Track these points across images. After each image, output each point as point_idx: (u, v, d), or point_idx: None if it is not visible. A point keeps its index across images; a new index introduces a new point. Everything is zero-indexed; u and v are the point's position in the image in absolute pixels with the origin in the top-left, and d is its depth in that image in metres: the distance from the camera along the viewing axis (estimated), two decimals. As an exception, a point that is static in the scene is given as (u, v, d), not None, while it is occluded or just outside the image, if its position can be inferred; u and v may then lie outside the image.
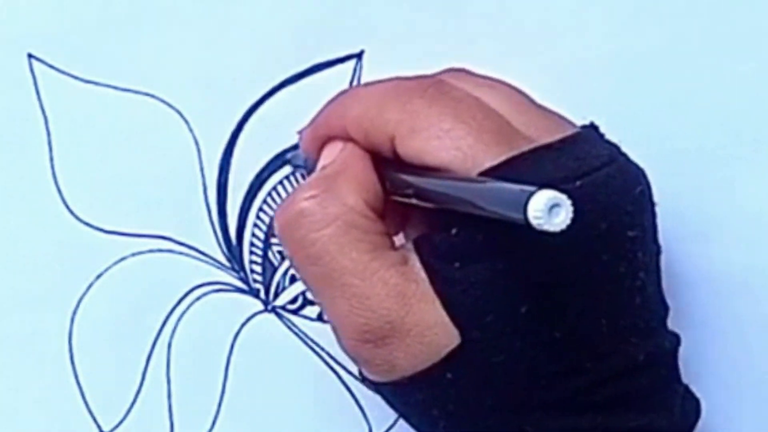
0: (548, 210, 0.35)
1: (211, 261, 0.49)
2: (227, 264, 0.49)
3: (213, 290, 0.49)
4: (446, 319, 0.40)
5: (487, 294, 0.40)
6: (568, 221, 0.36)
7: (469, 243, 0.40)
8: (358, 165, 0.43)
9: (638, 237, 0.41)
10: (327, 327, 0.48)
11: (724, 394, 0.49)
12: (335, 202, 0.42)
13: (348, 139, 0.43)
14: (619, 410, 0.41)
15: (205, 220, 0.49)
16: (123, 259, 0.48)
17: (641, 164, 0.42)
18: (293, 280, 0.49)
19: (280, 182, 0.49)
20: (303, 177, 0.48)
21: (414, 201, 0.42)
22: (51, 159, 0.48)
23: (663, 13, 0.48)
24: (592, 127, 0.43)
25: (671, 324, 0.44)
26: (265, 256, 0.49)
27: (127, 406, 0.49)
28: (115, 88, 0.48)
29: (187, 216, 0.48)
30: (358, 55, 0.48)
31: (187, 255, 0.49)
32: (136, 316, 0.49)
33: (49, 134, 0.48)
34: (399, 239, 0.44)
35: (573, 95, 0.44)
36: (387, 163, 0.43)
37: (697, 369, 0.46)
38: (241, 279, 0.49)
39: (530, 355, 0.40)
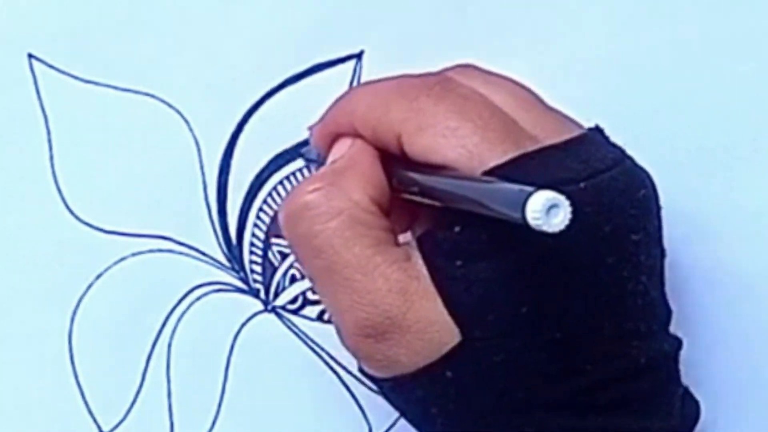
0: (546, 210, 0.36)
1: (211, 261, 0.49)
2: (227, 264, 0.49)
3: (213, 290, 0.49)
4: (447, 316, 0.40)
5: (489, 293, 0.40)
6: (566, 222, 0.36)
7: (473, 241, 0.40)
8: (365, 161, 0.43)
9: (642, 240, 0.41)
10: (327, 327, 0.48)
11: (723, 396, 0.49)
12: (341, 196, 0.42)
13: (357, 135, 0.43)
14: (619, 412, 0.41)
15: (205, 220, 0.49)
16: (123, 259, 0.48)
17: (641, 165, 0.42)
18: (293, 280, 0.49)
19: (280, 182, 0.49)
20: (310, 171, 0.48)
21: (419, 198, 0.42)
22: (51, 159, 0.48)
23: (663, 13, 0.48)
24: (598, 130, 0.43)
25: (672, 325, 0.44)
26: (265, 256, 0.49)
27: (127, 406, 0.49)
28: (115, 88, 0.48)
29: (187, 216, 0.48)
30: (358, 55, 0.48)
31: (187, 255, 0.49)
32: (136, 316, 0.49)
33: (49, 134, 0.48)
34: (405, 237, 0.44)
35: (573, 95, 0.44)
36: (394, 161, 0.43)
37: (696, 371, 0.46)
38: (241, 279, 0.49)
39: (531, 355, 0.40)
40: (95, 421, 0.49)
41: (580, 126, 0.43)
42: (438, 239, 0.41)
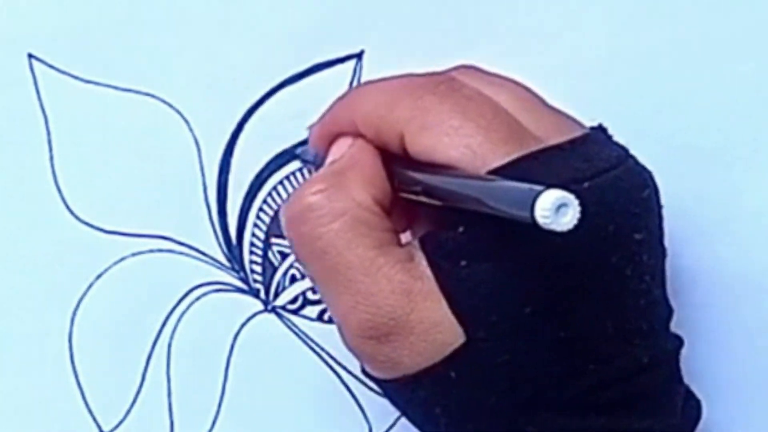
0: (555, 209, 0.35)
1: (211, 261, 0.49)
2: (227, 264, 0.49)
3: (213, 290, 0.49)
4: (451, 317, 0.40)
5: (493, 293, 0.40)
6: (575, 221, 0.36)
7: (476, 242, 0.40)
8: (367, 161, 0.43)
9: (645, 240, 0.41)
10: (327, 327, 0.48)
11: (725, 395, 0.49)
12: (343, 197, 0.42)
13: (357, 135, 0.43)
14: (621, 412, 0.41)
15: (205, 220, 0.49)
16: (123, 259, 0.48)
17: (643, 164, 0.42)
18: (293, 280, 0.49)
19: (280, 182, 0.49)
20: (310, 172, 0.48)
21: (422, 198, 0.42)
22: (51, 159, 0.48)
23: (663, 13, 0.48)
24: (601, 129, 0.43)
25: (672, 324, 0.44)
26: (265, 256, 0.49)
27: (127, 406, 0.49)
28: (115, 88, 0.48)
29: (187, 216, 0.48)
30: (358, 55, 0.48)
31: (187, 255, 0.49)
32: (136, 316, 0.49)
33: (49, 134, 0.48)
34: (406, 237, 0.44)
35: (572, 95, 0.44)
36: (396, 160, 0.43)
37: (698, 370, 0.46)
38: (241, 279, 0.49)
39: (534, 355, 0.40)
40: (95, 421, 0.49)
41: (582, 126, 0.43)
42: (441, 240, 0.41)
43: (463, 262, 0.40)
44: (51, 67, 0.47)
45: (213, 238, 0.49)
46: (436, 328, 0.40)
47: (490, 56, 0.46)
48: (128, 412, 0.49)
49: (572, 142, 0.41)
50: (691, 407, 0.44)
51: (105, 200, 0.48)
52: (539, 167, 0.40)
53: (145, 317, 0.49)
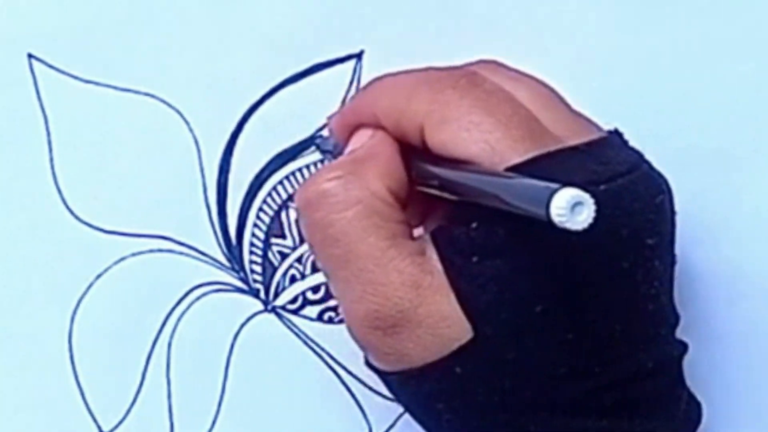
0: (571, 208, 0.35)
1: (211, 261, 0.49)
2: (227, 264, 0.49)
3: (213, 290, 0.49)
4: (460, 312, 0.40)
5: (504, 290, 0.40)
6: (590, 220, 0.36)
7: (489, 238, 0.40)
8: (385, 152, 0.43)
9: (656, 245, 0.41)
10: (327, 327, 0.48)
11: (725, 397, 0.49)
12: (359, 185, 0.42)
13: (378, 126, 0.43)
14: (624, 415, 0.41)
15: (205, 220, 0.49)
16: (123, 259, 0.48)
17: (658, 170, 0.42)
18: (293, 280, 0.49)
19: (280, 182, 0.49)
20: (323, 162, 0.48)
21: (438, 192, 0.42)
22: (51, 159, 0.48)
23: (663, 13, 0.48)
24: (617, 133, 0.43)
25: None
26: (265, 256, 0.49)
27: (127, 406, 0.49)
28: (115, 88, 0.48)
29: (187, 216, 0.48)
30: (358, 55, 0.48)
31: (187, 255, 0.49)
32: (136, 316, 0.49)
33: (49, 134, 0.48)
34: (418, 231, 0.44)
35: (573, 96, 0.44)
36: (414, 153, 0.43)
37: (698, 372, 0.46)
38: (241, 279, 0.49)
39: (542, 355, 0.40)
40: (95, 421, 0.49)
41: (600, 129, 0.43)
42: (453, 235, 0.41)
43: (475, 258, 0.40)
44: (51, 67, 0.47)
45: (213, 238, 0.49)
46: (443, 323, 0.40)
47: (490, 57, 0.46)
48: (128, 412, 0.49)
49: (590, 144, 0.41)
50: (692, 410, 0.44)
51: (105, 200, 0.48)
52: (556, 167, 0.40)
53: (145, 317, 0.49)
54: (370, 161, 0.42)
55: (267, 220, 0.49)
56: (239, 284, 0.49)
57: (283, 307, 0.49)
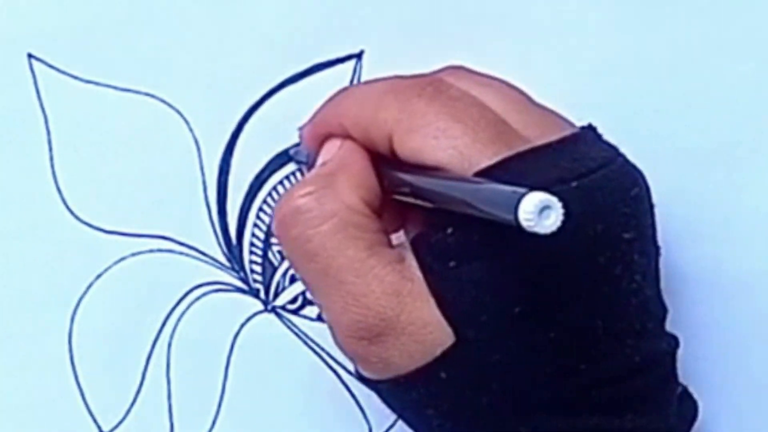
0: (539, 212, 0.36)
1: (211, 261, 0.49)
2: (227, 264, 0.49)
3: (213, 290, 0.49)
4: (441, 318, 0.40)
5: (482, 294, 0.40)
6: (558, 223, 0.36)
7: (465, 242, 0.40)
8: (356, 163, 0.43)
9: (635, 239, 0.41)
10: (327, 327, 0.48)
11: (722, 395, 0.49)
12: (332, 199, 0.42)
13: (347, 136, 0.43)
14: (615, 412, 0.41)
15: (205, 220, 0.49)
16: (123, 259, 0.48)
17: (641, 164, 0.42)
18: (293, 280, 0.49)
19: (280, 182, 0.49)
20: (302, 173, 0.48)
21: (411, 199, 0.42)
22: (51, 159, 0.48)
23: (663, 13, 0.48)
24: (591, 129, 0.43)
25: (669, 325, 0.44)
26: (265, 256, 0.49)
27: (127, 406, 0.49)
28: (115, 88, 0.48)
29: (187, 216, 0.48)
30: (358, 55, 0.48)
31: (187, 255, 0.49)
32: (136, 316, 0.49)
33: (49, 134, 0.48)
34: (397, 238, 0.44)
35: (571, 96, 0.44)
36: (385, 161, 0.43)
37: (695, 370, 0.46)
38: (241, 279, 0.49)
39: (525, 355, 0.40)
40: (95, 421, 0.49)
41: (572, 125, 0.43)
42: (431, 241, 0.41)
43: (452, 263, 0.40)
44: (51, 67, 0.47)
45: (213, 238, 0.49)
46: (426, 329, 0.40)
47: (489, 56, 0.46)
48: (128, 412, 0.49)
49: (560, 142, 0.41)
50: (688, 407, 0.44)
51: (105, 200, 0.48)
52: (527, 167, 0.40)
53: (145, 317, 0.49)
54: (342, 173, 0.43)
55: (267, 220, 0.49)
56: (239, 284, 0.49)
57: (283, 307, 0.49)
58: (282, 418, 0.49)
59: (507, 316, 0.40)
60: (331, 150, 0.44)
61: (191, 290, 0.49)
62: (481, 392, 0.40)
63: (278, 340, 0.49)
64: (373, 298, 0.41)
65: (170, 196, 0.48)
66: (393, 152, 0.42)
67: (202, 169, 0.48)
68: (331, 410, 0.49)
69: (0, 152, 0.48)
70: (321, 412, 0.49)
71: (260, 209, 0.49)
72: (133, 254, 0.48)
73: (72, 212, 0.48)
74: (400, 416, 0.44)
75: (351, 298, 0.41)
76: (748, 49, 0.49)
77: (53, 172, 0.48)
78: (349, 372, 0.49)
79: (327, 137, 0.44)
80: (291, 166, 0.49)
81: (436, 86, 0.42)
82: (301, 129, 0.47)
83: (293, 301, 0.49)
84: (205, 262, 0.49)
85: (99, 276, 0.48)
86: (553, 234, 0.36)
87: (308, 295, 0.49)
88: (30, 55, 0.47)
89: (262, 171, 0.49)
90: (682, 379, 0.44)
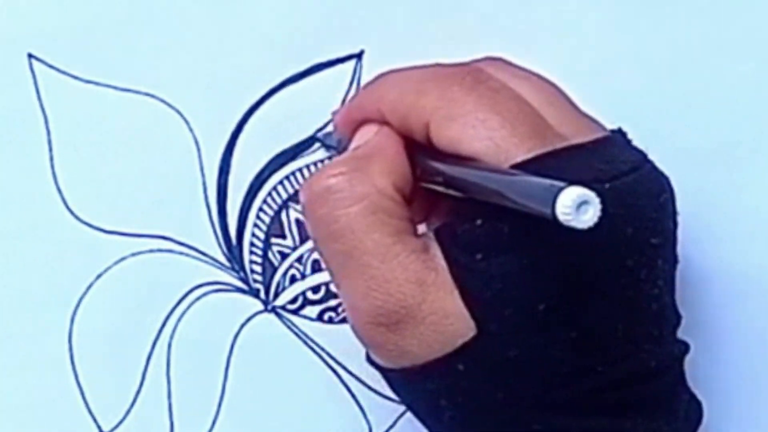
0: (576, 206, 0.35)
1: (211, 261, 0.49)
2: (227, 264, 0.49)
3: (213, 290, 0.49)
4: (464, 309, 0.40)
5: (508, 288, 0.40)
6: (595, 219, 0.36)
7: (493, 235, 0.40)
8: (391, 148, 0.43)
9: (660, 245, 0.41)
10: (327, 327, 0.48)
11: (726, 397, 0.49)
12: (364, 181, 0.42)
13: (383, 122, 0.43)
14: (627, 414, 0.41)
15: (205, 220, 0.49)
16: (123, 259, 0.48)
17: (661, 169, 0.42)
18: (293, 280, 0.49)
19: (280, 182, 0.49)
20: (330, 159, 0.48)
21: (443, 189, 0.42)
22: (51, 159, 0.48)
23: (663, 13, 0.48)
24: (620, 132, 0.43)
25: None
26: (265, 256, 0.49)
27: (127, 406, 0.49)
28: (115, 88, 0.48)
29: (187, 216, 0.48)
30: (358, 55, 0.48)
31: (187, 255, 0.49)
32: (136, 316, 0.49)
33: (49, 134, 0.48)
34: (422, 228, 0.44)
35: (573, 95, 0.44)
36: (420, 150, 0.43)
37: (699, 372, 0.46)
38: (241, 279, 0.49)
39: (545, 353, 0.40)
40: (95, 421, 0.49)
41: (603, 128, 0.43)
42: (457, 232, 0.41)
43: (479, 255, 0.40)
44: (51, 67, 0.47)
45: (213, 238, 0.49)
46: (447, 320, 0.40)
47: (490, 56, 0.46)
48: (128, 412, 0.49)
49: (594, 143, 0.41)
50: (693, 409, 0.44)
51: (105, 200, 0.48)
52: (561, 165, 0.40)
53: (145, 317, 0.49)
54: (376, 157, 0.42)
55: (267, 220, 0.49)
56: (239, 284, 0.49)
57: (283, 307, 0.49)
58: (282, 418, 0.49)
59: (531, 312, 0.40)
60: (366, 135, 0.44)
61: (191, 290, 0.49)
62: (498, 387, 0.40)
63: (278, 340, 0.49)
64: (395, 284, 0.40)
65: (170, 196, 0.48)
66: (429, 140, 0.42)
67: (202, 169, 0.48)
68: (331, 410, 0.49)
69: (0, 152, 0.48)
70: (321, 412, 0.49)
71: (260, 209, 0.49)
72: (133, 254, 0.48)
73: (72, 212, 0.48)
74: (409, 406, 0.44)
75: (373, 283, 0.41)
76: (748, 49, 0.49)
77: (53, 172, 0.48)
78: (349, 372, 0.49)
79: (362, 123, 0.44)
80: (291, 166, 0.49)
81: (475, 76, 0.42)
82: (334, 113, 0.47)
83: (293, 301, 0.49)
84: (205, 262, 0.49)
85: (99, 276, 0.48)
86: (589, 230, 0.36)
87: (308, 295, 0.49)
88: (30, 55, 0.47)
89: (262, 171, 0.49)
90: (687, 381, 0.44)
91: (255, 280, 0.49)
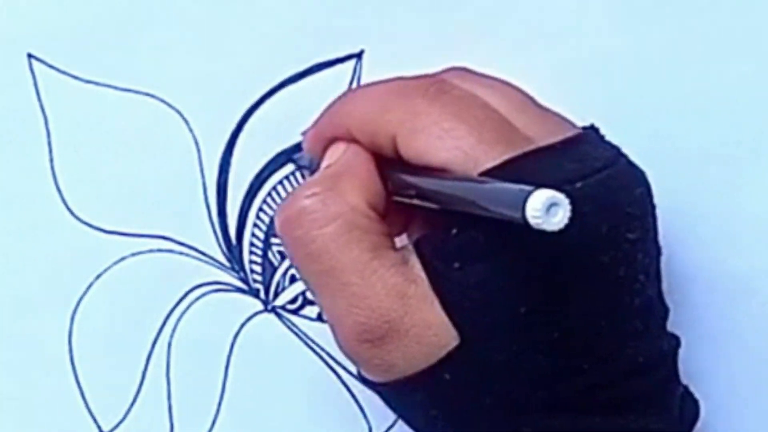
0: (546, 209, 0.36)
1: (211, 261, 0.49)
2: (227, 264, 0.49)
3: (213, 290, 0.49)
4: (445, 319, 0.40)
5: (487, 294, 0.40)
6: (566, 221, 0.36)
7: (469, 243, 0.40)
8: (361, 165, 0.43)
9: (638, 239, 0.41)
10: (327, 327, 0.48)
11: (724, 394, 0.49)
12: (337, 200, 0.42)
13: (351, 139, 0.43)
14: (617, 412, 0.41)
15: (205, 220, 0.49)
16: (123, 259, 0.48)
17: (641, 165, 0.42)
18: (293, 280, 0.49)
19: (280, 182, 0.49)
20: (304, 177, 0.48)
21: (416, 201, 0.42)
22: (51, 159, 0.48)
23: (663, 13, 0.48)
24: (593, 129, 0.43)
25: (671, 325, 0.44)
26: (265, 256, 0.49)
27: (127, 406, 0.49)
28: (115, 88, 0.48)
29: (187, 216, 0.48)
30: (358, 55, 0.48)
31: (187, 255, 0.49)
32: (136, 316, 0.49)
33: (49, 134, 0.48)
34: (401, 241, 0.44)
35: (573, 95, 0.44)
36: (390, 164, 0.43)
37: (696, 370, 0.46)
38: (241, 279, 0.49)
39: (529, 355, 0.40)
40: (95, 421, 0.49)
41: (574, 126, 0.43)
42: (435, 242, 0.41)
43: (456, 264, 0.40)
44: (51, 67, 0.47)
45: (213, 238, 0.49)
46: (430, 331, 0.40)
47: (490, 56, 0.46)
48: (128, 412, 0.49)
49: (564, 143, 0.41)
50: (689, 407, 0.44)
51: (105, 200, 0.48)
52: (531, 168, 0.40)
53: (145, 317, 0.49)
54: (347, 175, 0.43)
55: (267, 220, 0.49)
56: (239, 284, 0.49)
57: (283, 307, 0.49)
58: (282, 418, 0.49)
59: (512, 316, 0.40)
60: (335, 153, 0.44)
61: (191, 290, 0.49)
62: (485, 392, 0.40)
63: (278, 340, 0.49)
64: (376, 300, 0.40)
65: (170, 196, 0.48)
66: (398, 154, 0.42)
67: (202, 169, 0.48)
68: (331, 410, 0.49)
69: (0, 152, 0.48)
70: (321, 412, 0.49)
71: (260, 209, 0.49)
72: (133, 254, 0.48)
73: (72, 212, 0.48)
74: (403, 418, 0.44)
75: (354, 300, 0.41)
76: (748, 49, 0.49)
77: (53, 172, 0.48)
78: (349, 372, 0.49)
79: (331, 141, 0.44)
80: (291, 166, 0.49)
81: (439, 86, 0.42)
82: (303, 133, 0.47)
83: (293, 301, 0.49)
84: (205, 262, 0.49)
85: (99, 276, 0.48)
86: (560, 231, 0.36)
87: (308, 296, 0.49)
88: (30, 55, 0.47)
89: (262, 171, 0.49)
90: (683, 379, 0.44)
91: (255, 280, 0.49)
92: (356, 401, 0.49)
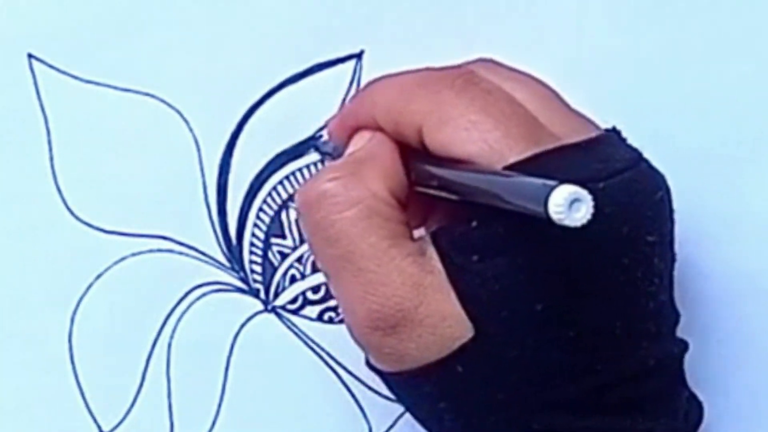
0: (569, 205, 0.35)
1: (211, 261, 0.49)
2: (227, 264, 0.49)
3: (213, 290, 0.49)
4: (461, 311, 0.40)
5: (504, 289, 0.40)
6: (588, 217, 0.36)
7: (489, 237, 0.40)
8: (385, 153, 0.43)
9: (657, 243, 0.41)
10: (327, 327, 0.48)
11: (727, 397, 0.49)
12: (359, 186, 0.42)
13: (377, 128, 0.43)
14: (626, 413, 0.41)
15: (205, 220, 0.49)
16: (123, 259, 0.48)
17: (656, 167, 0.42)
18: (293, 280, 0.49)
19: (280, 182, 0.49)
20: (317, 168, 0.48)
21: (438, 192, 0.42)
22: (51, 159, 0.48)
23: (663, 13, 0.48)
24: (615, 131, 0.43)
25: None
26: (265, 256, 0.49)
27: (127, 406, 0.49)
28: (115, 88, 0.48)
29: (187, 216, 0.48)
30: (358, 55, 0.48)
31: (187, 255, 0.49)
32: (136, 316, 0.49)
33: (49, 134, 0.48)
34: (419, 233, 0.44)
35: (573, 96, 0.44)
36: (414, 154, 0.43)
37: (699, 372, 0.46)
38: (241, 279, 0.49)
39: (543, 353, 0.40)
40: (95, 421, 0.49)
41: (597, 127, 0.43)
42: (453, 234, 0.41)
43: (475, 257, 0.40)
44: (51, 67, 0.47)
45: (213, 238, 0.49)
46: (444, 322, 0.40)
47: (489, 56, 0.46)
48: (128, 412, 0.49)
49: (589, 142, 0.41)
50: (693, 409, 0.44)
51: (105, 200, 0.48)
52: (555, 164, 0.40)
53: (145, 317, 0.49)
54: (371, 162, 0.42)
55: (267, 220, 0.49)
56: (239, 284, 0.49)
57: (283, 307, 0.49)
58: (282, 418, 0.49)
59: (528, 312, 0.40)
60: (360, 141, 0.44)
61: (191, 290, 0.49)
62: (497, 388, 0.40)
63: (278, 340, 0.49)
64: (392, 288, 0.40)
65: (170, 196, 0.48)
66: (423, 144, 0.42)
67: (202, 169, 0.48)
68: (331, 410, 0.49)
69: (0, 152, 0.48)
70: (321, 412, 0.49)
71: (260, 209, 0.49)
72: (133, 254, 0.48)
73: (72, 212, 0.48)
74: (409, 410, 0.44)
75: (370, 287, 0.41)
76: (748, 49, 0.49)
77: (53, 172, 0.48)
78: (349, 372, 0.49)
79: (356, 129, 0.44)
80: (291, 166, 0.49)
81: (467, 78, 0.42)
82: (328, 121, 0.47)
83: (293, 301, 0.49)
84: (205, 262, 0.49)
85: (99, 276, 0.48)
86: (582, 227, 0.36)
87: (308, 295, 0.49)
88: (30, 55, 0.47)
89: (262, 171, 0.49)
90: (686, 380, 0.44)
91: (255, 280, 0.49)
92: (356, 401, 0.49)
